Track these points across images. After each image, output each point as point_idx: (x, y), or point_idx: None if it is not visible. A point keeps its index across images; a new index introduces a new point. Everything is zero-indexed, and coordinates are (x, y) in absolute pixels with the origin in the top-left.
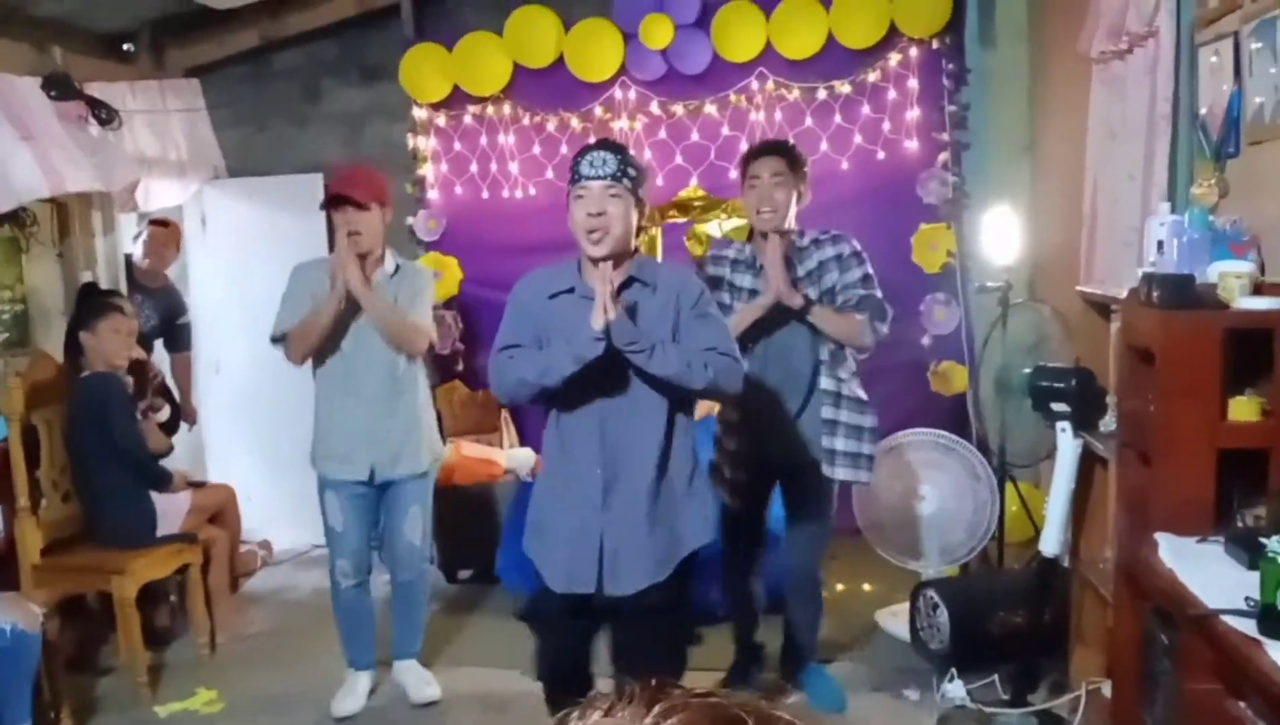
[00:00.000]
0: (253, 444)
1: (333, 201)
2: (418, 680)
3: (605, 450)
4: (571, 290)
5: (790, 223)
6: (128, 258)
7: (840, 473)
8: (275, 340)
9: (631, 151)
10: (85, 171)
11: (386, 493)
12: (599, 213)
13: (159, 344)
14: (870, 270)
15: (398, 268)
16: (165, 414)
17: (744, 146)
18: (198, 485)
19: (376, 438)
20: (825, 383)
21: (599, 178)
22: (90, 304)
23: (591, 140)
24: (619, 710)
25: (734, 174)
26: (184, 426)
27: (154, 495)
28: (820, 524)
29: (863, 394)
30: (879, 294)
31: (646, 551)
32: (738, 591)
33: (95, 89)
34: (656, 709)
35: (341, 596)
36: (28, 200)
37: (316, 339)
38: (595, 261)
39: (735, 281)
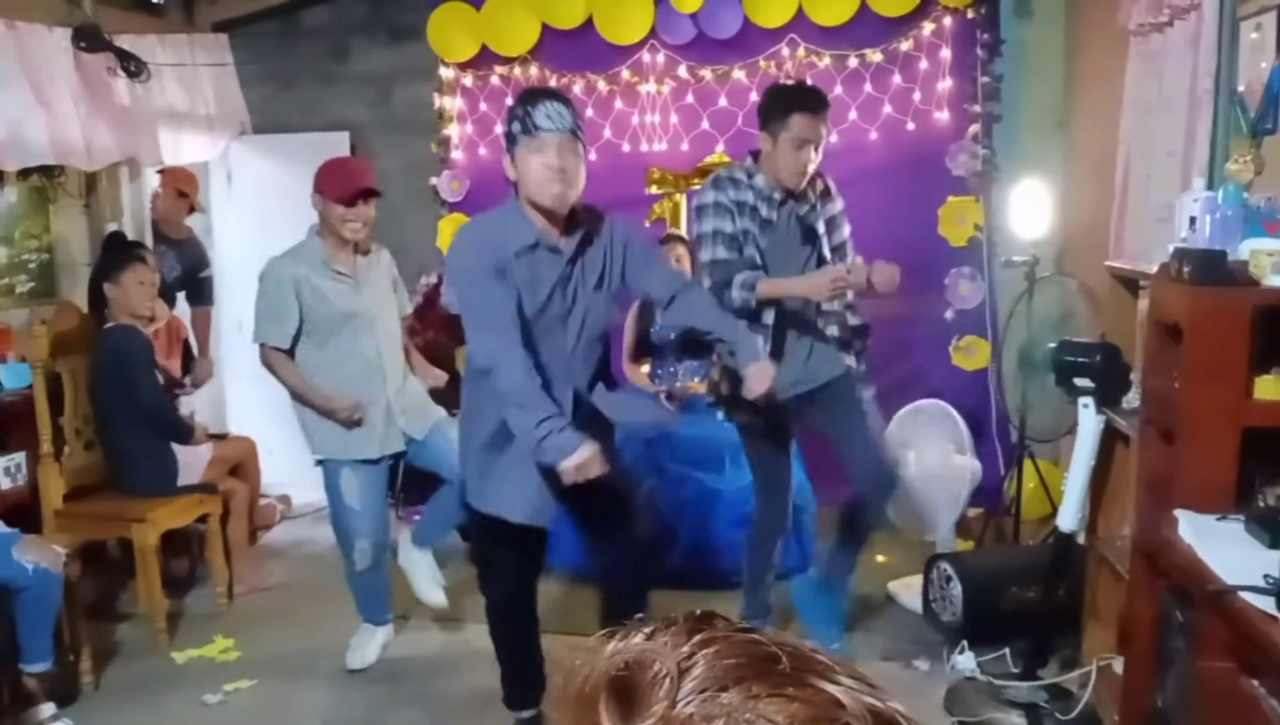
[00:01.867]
0: (274, 401)
1: (362, 195)
2: (429, 579)
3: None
4: (535, 245)
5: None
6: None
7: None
8: (260, 344)
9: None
10: (77, 147)
11: (424, 453)
12: (560, 167)
13: (181, 297)
14: None
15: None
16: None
17: None
18: (219, 437)
19: (398, 406)
20: (827, 306)
21: (557, 130)
22: (114, 255)
23: (618, 104)
24: (660, 635)
25: None
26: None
27: (175, 446)
28: (874, 416)
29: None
30: None
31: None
32: (764, 551)
33: (125, 41)
34: (697, 638)
35: (358, 577)
36: (33, 164)
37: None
38: (546, 211)
39: (760, 210)
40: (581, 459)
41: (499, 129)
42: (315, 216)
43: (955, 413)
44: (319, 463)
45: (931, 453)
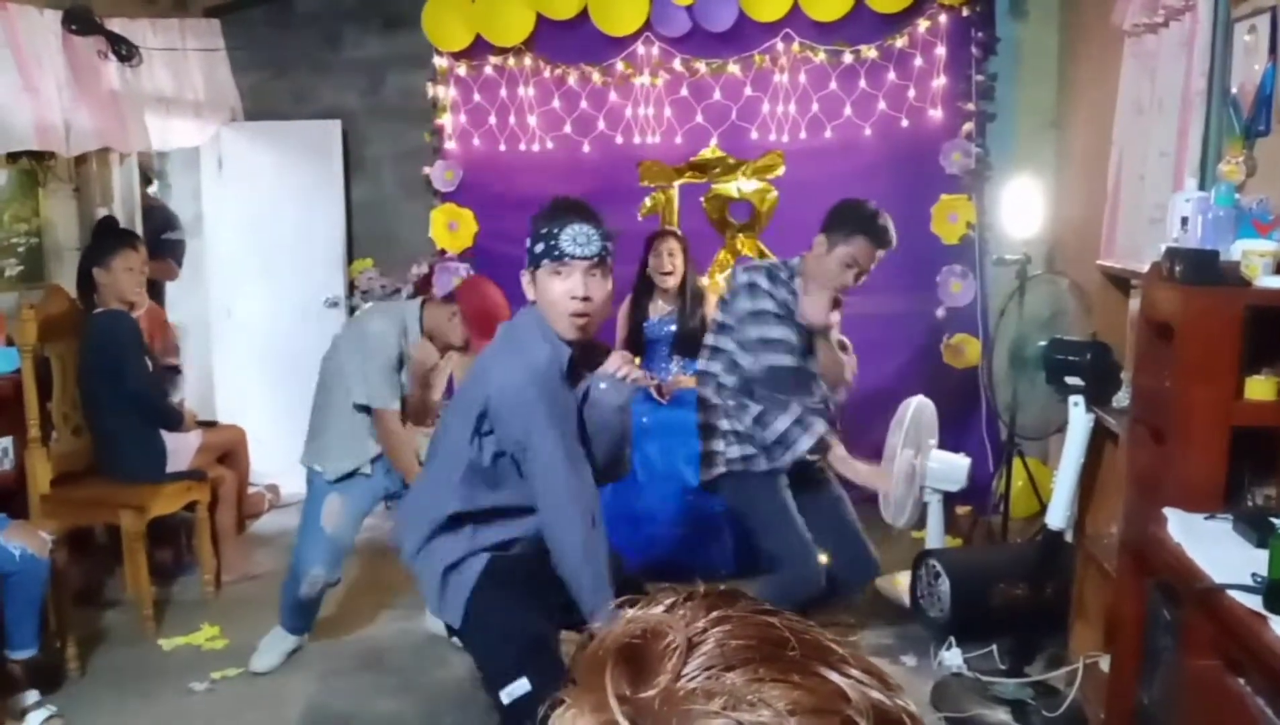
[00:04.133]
0: (263, 389)
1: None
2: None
3: None
4: (578, 372)
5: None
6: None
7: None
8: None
9: (600, 218)
10: (58, 134)
11: None
12: (585, 297)
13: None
14: None
15: None
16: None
17: (766, 108)
18: (208, 425)
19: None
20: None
21: (583, 257)
22: (105, 240)
23: (612, 96)
24: (680, 607)
25: (755, 135)
26: (186, 372)
27: (164, 432)
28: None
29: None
30: None
31: None
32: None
33: (116, 25)
34: (714, 614)
35: (300, 594)
36: (16, 148)
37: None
38: (570, 343)
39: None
40: None
41: (492, 119)
42: (305, 200)
43: (931, 406)
44: (310, 477)
45: (910, 448)
